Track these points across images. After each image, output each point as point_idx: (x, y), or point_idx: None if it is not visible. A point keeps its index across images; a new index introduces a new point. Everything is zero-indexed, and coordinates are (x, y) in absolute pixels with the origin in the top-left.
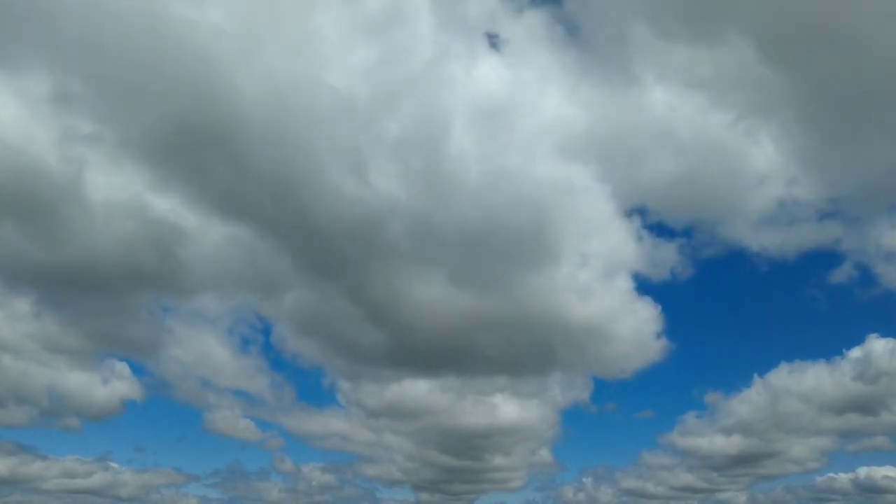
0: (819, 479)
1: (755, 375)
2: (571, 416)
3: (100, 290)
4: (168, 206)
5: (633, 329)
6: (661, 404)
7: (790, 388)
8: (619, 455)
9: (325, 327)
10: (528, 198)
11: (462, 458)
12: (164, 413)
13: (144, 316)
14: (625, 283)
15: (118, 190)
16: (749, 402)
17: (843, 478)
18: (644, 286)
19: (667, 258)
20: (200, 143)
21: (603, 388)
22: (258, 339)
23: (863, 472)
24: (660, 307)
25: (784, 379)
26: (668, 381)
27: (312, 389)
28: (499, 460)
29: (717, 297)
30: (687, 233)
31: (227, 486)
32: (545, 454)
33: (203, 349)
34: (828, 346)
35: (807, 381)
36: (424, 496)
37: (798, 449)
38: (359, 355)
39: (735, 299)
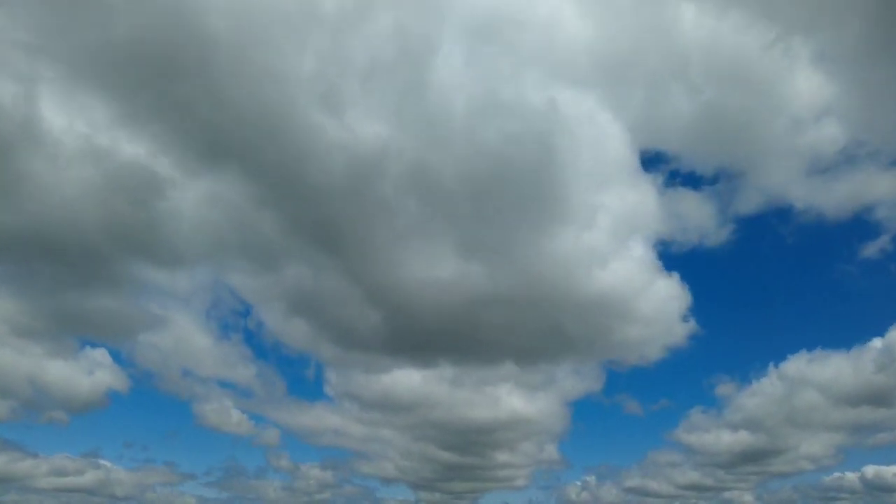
0: (827, 478)
1: (771, 365)
2: (581, 409)
3: (62, 259)
4: (138, 149)
5: (655, 308)
6: (678, 395)
7: (808, 379)
8: (630, 451)
9: (315, 307)
10: (526, 138)
11: (463, 454)
12: (151, 405)
13: (120, 293)
14: (644, 252)
15: (72, 128)
16: (765, 394)
17: (852, 476)
18: (667, 255)
19: (692, 216)
20: (158, 60)
21: (617, 378)
22: (245, 323)
23: (871, 469)
24: (686, 284)
25: (802, 369)
26: (687, 370)
27: (303, 381)
28: (502, 457)
29: (747, 267)
30: (714, 182)
31: (223, 484)
32: (551, 450)
33: (184, 335)
34: (854, 332)
35: (826, 372)
36: (423, 495)
37: (809, 445)
38: (352, 341)
39: (766, 270)
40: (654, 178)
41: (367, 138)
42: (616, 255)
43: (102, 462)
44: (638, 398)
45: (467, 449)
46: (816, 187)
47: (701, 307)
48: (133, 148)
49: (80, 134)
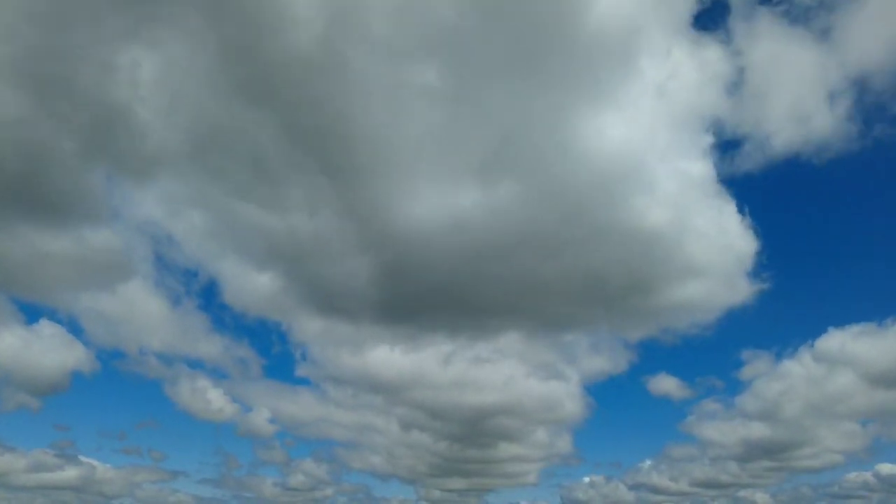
0: (848, 476)
1: (809, 342)
2: (602, 392)
3: None
4: None
5: (707, 254)
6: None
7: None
8: (653, 442)
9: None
10: None
11: (468, 446)
12: (117, 385)
13: (54, 224)
14: (701, 164)
15: None
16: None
17: (867, 474)
18: (730, 168)
19: (771, 95)
20: None
21: (649, 353)
22: (206, 285)
23: (887, 466)
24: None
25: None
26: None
27: (278, 356)
28: (507, 449)
29: (844, 186)
30: (808, 20)
31: (218, 482)
32: (566, 442)
33: (137, 299)
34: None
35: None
36: (424, 493)
37: (831, 437)
38: (335, 305)
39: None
40: (714, 34)
41: None
42: (660, 164)
43: (86, 459)
44: (678, 376)
45: (469, 440)
46: None
47: (774, 254)
48: None
49: None
